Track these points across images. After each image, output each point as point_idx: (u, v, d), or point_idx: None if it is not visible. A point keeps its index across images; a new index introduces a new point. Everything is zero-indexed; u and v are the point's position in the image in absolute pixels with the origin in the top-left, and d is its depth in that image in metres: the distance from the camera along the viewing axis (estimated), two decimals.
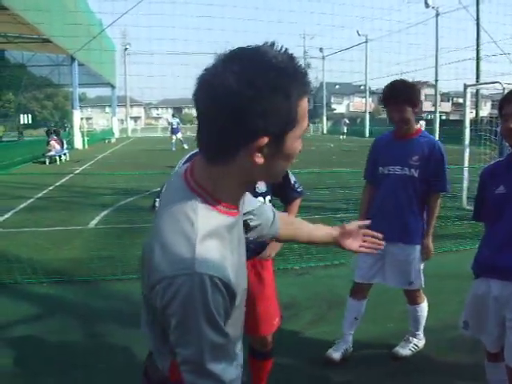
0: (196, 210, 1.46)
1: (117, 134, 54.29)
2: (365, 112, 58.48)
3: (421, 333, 4.78)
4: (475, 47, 39.59)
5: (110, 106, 65.46)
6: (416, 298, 4.68)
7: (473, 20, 37.97)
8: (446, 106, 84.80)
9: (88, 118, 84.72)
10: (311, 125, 71.70)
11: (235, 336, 1.66)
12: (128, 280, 6.59)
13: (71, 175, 18.09)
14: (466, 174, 11.90)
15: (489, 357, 3.42)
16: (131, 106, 68.84)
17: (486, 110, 66.21)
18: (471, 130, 12.54)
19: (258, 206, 2.11)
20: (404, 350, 4.68)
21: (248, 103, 1.32)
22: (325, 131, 68.24)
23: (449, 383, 4.28)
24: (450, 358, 4.63)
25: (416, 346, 4.73)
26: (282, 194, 3.62)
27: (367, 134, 54.06)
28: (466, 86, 12.21)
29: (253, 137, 1.37)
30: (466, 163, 12.03)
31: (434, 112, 44.66)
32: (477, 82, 30.31)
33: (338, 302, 5.74)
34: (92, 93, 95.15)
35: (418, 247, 4.43)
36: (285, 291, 6.15)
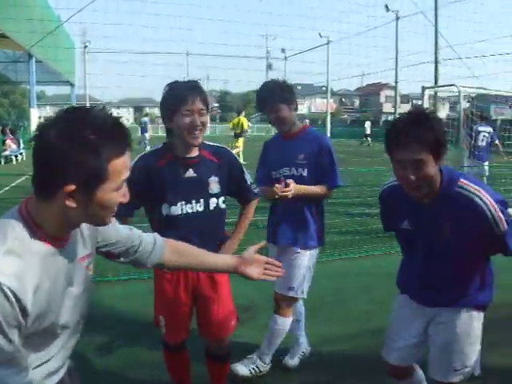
0: (14, 229, 1.70)
1: None
2: (326, 113, 58.69)
3: (270, 355, 4.53)
4: (434, 51, 40.10)
5: (69, 104, 64.44)
6: (286, 309, 4.48)
7: (431, 24, 38.40)
8: (406, 108, 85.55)
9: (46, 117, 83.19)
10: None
11: (39, 356, 1.84)
12: None
13: (27, 176, 17.66)
14: None
15: (397, 375, 3.37)
16: (91, 104, 67.94)
17: (444, 112, 67.27)
18: None
19: (127, 236, 2.27)
20: (242, 369, 4.44)
21: (59, 155, 1.60)
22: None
23: None
24: None
25: (258, 369, 4.48)
26: (239, 195, 3.64)
27: (328, 135, 54.31)
28: (423, 89, 12.47)
29: (62, 183, 1.66)
30: None
31: (394, 113, 45.03)
32: (435, 84, 30.74)
33: (250, 305, 5.96)
34: (51, 91, 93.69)
35: (309, 252, 4.32)
36: (242, 293, 6.07)
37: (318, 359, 4.77)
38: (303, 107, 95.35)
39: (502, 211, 2.71)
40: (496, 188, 13.24)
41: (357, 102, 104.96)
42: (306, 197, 4.16)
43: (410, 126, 2.59)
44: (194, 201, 3.30)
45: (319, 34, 57.24)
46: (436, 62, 39.99)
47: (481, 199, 2.69)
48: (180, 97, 3.15)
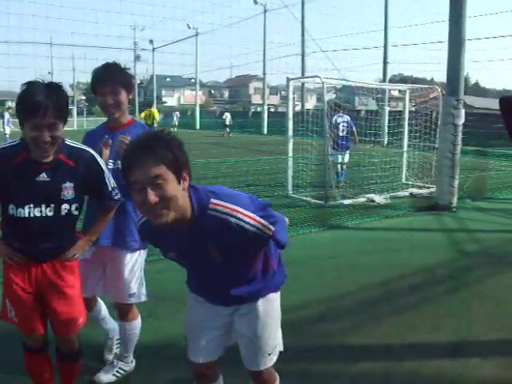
0: None
1: None
2: (195, 105, 58.74)
3: (130, 355, 4.33)
4: (300, 44, 41.30)
5: None
6: (129, 313, 4.16)
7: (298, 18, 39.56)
8: (275, 99, 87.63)
9: None
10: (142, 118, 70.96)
11: None
12: None
13: None
14: (290, 163, 12.35)
15: (199, 380, 3.22)
16: None
17: (312, 103, 69.39)
18: (296, 122, 12.95)
19: None
20: (107, 376, 4.20)
21: None
22: (155, 124, 67.62)
23: (328, 369, 4.31)
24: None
25: (123, 370, 4.29)
26: (98, 200, 3.49)
27: (198, 127, 54.49)
28: (288, 80, 12.75)
29: None
30: (290, 153, 12.46)
31: (263, 104, 45.90)
32: (302, 76, 31.59)
33: (166, 297, 5.72)
34: None
35: (137, 253, 4.00)
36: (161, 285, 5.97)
37: None
38: (173, 99, 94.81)
39: (263, 216, 2.59)
40: (354, 176, 13.87)
41: (226, 94, 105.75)
42: None
43: (142, 148, 2.33)
44: (43, 205, 3.12)
45: (188, 26, 57.26)
46: (303, 55, 41.31)
47: (236, 218, 2.50)
48: (29, 107, 2.87)
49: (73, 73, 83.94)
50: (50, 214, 3.14)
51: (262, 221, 2.56)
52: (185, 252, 2.73)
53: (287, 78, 12.59)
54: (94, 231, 3.52)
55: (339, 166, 14.10)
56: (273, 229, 2.62)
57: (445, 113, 11.04)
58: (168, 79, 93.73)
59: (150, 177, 2.27)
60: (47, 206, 3.12)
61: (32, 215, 3.10)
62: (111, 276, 4.02)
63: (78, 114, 74.44)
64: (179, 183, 2.37)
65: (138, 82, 79.68)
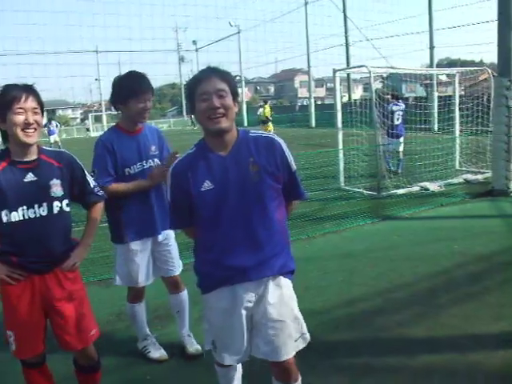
0: None
1: None
2: (242, 102, 58.84)
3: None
4: (344, 34, 40.87)
5: None
6: (181, 283, 4.65)
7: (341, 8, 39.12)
8: (321, 92, 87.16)
9: None
10: (186, 118, 71.64)
11: None
12: None
13: None
14: (341, 155, 12.23)
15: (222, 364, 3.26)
16: None
17: (358, 93, 68.68)
18: (344, 113, 12.83)
19: None
20: (195, 346, 4.57)
21: None
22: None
23: (334, 363, 4.25)
24: (334, 336, 4.64)
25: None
26: (82, 198, 3.52)
27: (246, 123, 54.56)
28: (334, 71, 12.55)
29: None
30: (341, 145, 12.35)
31: (309, 98, 45.64)
32: (347, 66, 31.28)
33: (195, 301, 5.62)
34: None
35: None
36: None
37: None
38: None
39: None
40: (407, 164, 13.65)
41: (272, 89, 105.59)
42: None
43: (211, 69, 2.92)
44: (36, 205, 3.17)
45: (229, 23, 57.40)
46: (347, 45, 40.85)
47: (276, 137, 3.00)
48: (12, 95, 3.07)
49: None
50: (44, 213, 3.19)
51: (291, 157, 3.02)
52: (223, 173, 2.87)
53: (333, 69, 12.42)
54: (89, 234, 3.54)
55: (400, 154, 13.95)
56: (295, 167, 3.04)
57: (497, 94, 10.72)
58: None
59: (216, 88, 2.81)
60: (40, 205, 3.17)
61: (27, 217, 3.14)
62: (163, 256, 4.45)
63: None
64: (234, 104, 2.88)
65: (184, 82, 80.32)
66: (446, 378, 4.00)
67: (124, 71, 4.28)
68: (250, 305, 2.97)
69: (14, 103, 3.05)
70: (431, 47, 32.59)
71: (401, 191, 11.35)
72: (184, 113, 72.79)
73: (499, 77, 10.65)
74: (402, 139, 14.05)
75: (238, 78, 69.63)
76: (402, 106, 14.11)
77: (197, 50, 68.47)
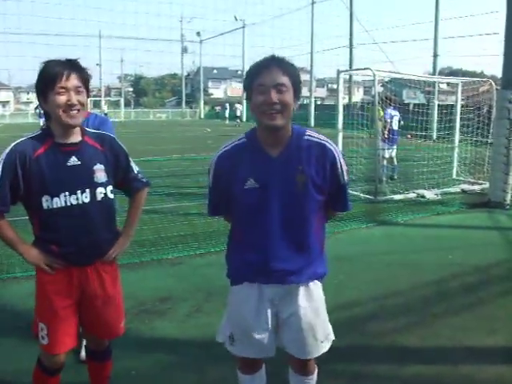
0: None
1: None
2: (242, 97, 58.78)
3: None
4: (349, 35, 40.80)
5: None
6: None
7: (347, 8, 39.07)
8: (322, 92, 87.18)
9: None
10: (188, 110, 71.57)
11: None
12: None
13: None
14: None
15: (245, 368, 3.19)
16: None
17: (358, 96, 68.74)
18: (345, 115, 12.77)
19: None
20: None
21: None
22: (202, 116, 68.15)
23: (325, 369, 4.20)
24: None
25: None
26: (125, 185, 3.32)
27: (245, 119, 54.52)
28: (339, 72, 12.48)
29: None
30: (341, 147, 12.28)
31: (310, 97, 45.63)
32: (350, 68, 31.23)
33: (215, 292, 5.61)
34: None
35: None
36: (159, 283, 5.96)
37: None
38: (219, 91, 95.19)
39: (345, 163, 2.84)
40: (404, 171, 13.61)
41: None
42: None
43: (275, 59, 2.68)
44: (79, 191, 2.98)
45: (235, 17, 57.29)
46: (351, 47, 40.76)
47: (331, 145, 2.79)
48: (53, 73, 2.86)
49: (121, 64, 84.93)
50: (87, 200, 3.00)
51: (345, 165, 2.82)
52: (269, 175, 2.74)
53: (337, 70, 12.37)
54: (131, 224, 3.37)
55: (394, 159, 13.91)
56: (347, 178, 2.85)
57: (499, 107, 10.69)
58: (215, 71, 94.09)
59: (276, 82, 2.60)
60: (83, 191, 2.99)
61: (69, 203, 2.96)
62: None
63: (125, 105, 75.34)
64: (293, 100, 2.68)
65: (185, 73, 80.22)
66: None
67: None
68: (276, 302, 2.90)
69: (55, 82, 2.84)
70: (435, 55, 32.61)
71: (397, 197, 11.31)
72: (183, 104, 72.67)
73: (503, 89, 10.61)
74: (395, 146, 14.01)
75: (239, 72, 69.65)
76: (397, 112, 14.06)
77: (201, 42, 68.31)
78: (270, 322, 2.93)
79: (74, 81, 2.88)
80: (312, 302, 2.92)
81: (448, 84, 20.98)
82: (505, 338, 4.70)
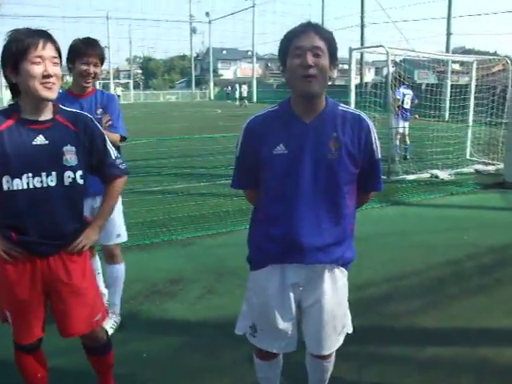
0: None
1: None
2: (252, 77, 58.53)
3: (119, 304, 4.60)
4: (360, 14, 40.44)
5: None
6: (118, 255, 4.51)
7: None
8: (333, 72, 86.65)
9: None
10: (198, 91, 71.37)
11: None
12: None
13: None
14: None
15: (263, 356, 3.06)
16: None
17: (369, 76, 68.28)
18: (356, 94, 12.62)
19: None
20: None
21: None
22: (212, 97, 67.95)
23: (340, 350, 4.12)
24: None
25: (116, 323, 4.48)
26: (100, 171, 3.07)
27: (255, 99, 54.33)
28: (351, 50, 12.32)
29: None
30: None
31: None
32: (361, 46, 30.94)
33: (227, 273, 5.57)
34: None
35: None
36: (170, 264, 5.90)
37: None
38: (229, 72, 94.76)
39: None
40: (417, 151, 13.46)
41: None
42: None
43: (312, 25, 2.62)
44: (44, 173, 2.74)
45: None
46: (362, 25, 40.37)
47: (366, 117, 2.72)
48: (27, 42, 2.62)
49: (129, 46, 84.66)
50: (52, 183, 2.77)
51: (378, 143, 2.74)
52: (301, 141, 2.61)
53: (350, 47, 12.19)
54: (103, 214, 3.14)
55: (406, 138, 13.83)
56: (380, 155, 2.75)
57: None
58: (224, 52, 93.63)
59: (313, 45, 2.51)
60: (48, 174, 2.75)
61: (32, 186, 2.72)
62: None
63: (134, 87, 75.18)
64: (330, 68, 2.59)
65: (195, 55, 79.91)
66: (453, 372, 3.86)
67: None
68: (299, 289, 2.78)
69: (29, 51, 2.60)
70: (448, 34, 32.21)
71: (410, 177, 11.20)
72: (193, 85, 72.43)
73: None
74: (407, 124, 13.87)
75: (249, 53, 69.26)
76: (410, 90, 13.91)
77: (210, 22, 67.90)
78: (293, 311, 2.83)
79: (50, 50, 2.66)
80: (336, 291, 2.82)
81: (461, 64, 20.69)
82: None
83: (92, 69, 4.10)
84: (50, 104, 2.79)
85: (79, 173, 2.84)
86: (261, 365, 3.13)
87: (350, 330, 3.01)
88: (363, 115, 2.71)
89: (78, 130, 2.86)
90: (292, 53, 2.54)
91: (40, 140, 2.73)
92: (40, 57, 2.62)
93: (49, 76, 2.64)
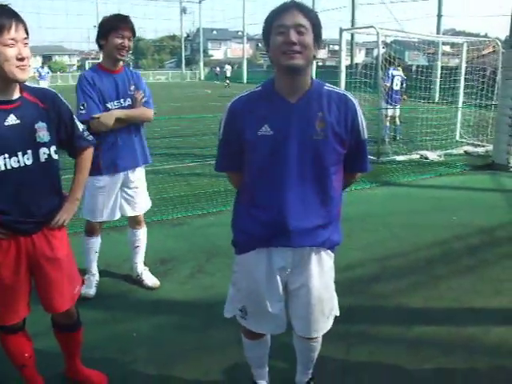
0: None
1: None
2: (242, 58, 58.26)
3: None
4: None
5: None
6: (143, 220, 5.00)
7: None
8: (323, 53, 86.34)
9: None
10: (188, 72, 70.98)
11: None
12: None
13: None
14: None
15: (251, 335, 3.10)
16: None
17: (360, 57, 68.11)
18: (347, 75, 12.60)
19: None
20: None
21: None
22: (202, 77, 67.62)
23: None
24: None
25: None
26: (70, 144, 3.10)
27: (245, 80, 54.12)
28: (341, 30, 12.32)
29: None
30: None
31: None
32: (352, 27, 30.83)
33: (217, 252, 5.60)
34: None
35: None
36: (160, 244, 5.90)
37: None
38: (219, 52, 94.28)
39: None
40: (407, 132, 13.50)
41: None
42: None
43: (296, 3, 2.57)
44: (19, 153, 2.75)
45: None
46: (353, 5, 40.17)
47: (352, 97, 2.70)
48: (0, 23, 2.57)
49: None
50: (29, 162, 2.78)
51: (365, 123, 2.73)
52: (286, 122, 2.59)
53: (340, 28, 12.15)
54: (78, 187, 3.17)
55: (396, 120, 13.82)
56: (366, 136, 2.74)
57: (505, 67, 10.53)
58: (215, 32, 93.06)
59: (296, 23, 2.50)
60: (24, 153, 2.76)
61: (9, 167, 2.72)
62: (134, 193, 4.69)
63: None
64: (313, 47, 2.56)
65: (185, 35, 79.34)
66: (442, 350, 3.91)
67: None
68: (286, 272, 2.77)
69: (2, 33, 2.56)
70: (439, 15, 32.14)
71: (400, 158, 11.23)
72: (183, 66, 71.99)
73: (509, 49, 10.42)
74: (398, 106, 13.88)
75: (239, 33, 68.91)
76: (400, 72, 13.89)
77: (200, 2, 67.35)
78: (281, 293, 2.83)
79: (22, 32, 2.63)
80: (323, 275, 2.82)
81: (452, 45, 20.66)
82: (509, 299, 4.66)
83: (126, 42, 4.29)
84: (16, 83, 2.76)
85: (53, 148, 2.87)
86: (249, 344, 3.15)
87: (338, 313, 3.02)
88: (349, 95, 2.70)
89: (46, 106, 2.87)
90: (275, 31, 2.53)
91: (11, 120, 2.72)
92: (13, 39, 2.58)
93: (23, 59, 2.61)
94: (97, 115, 4.18)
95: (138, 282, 4.89)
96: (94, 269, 4.77)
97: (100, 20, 4.43)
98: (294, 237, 2.65)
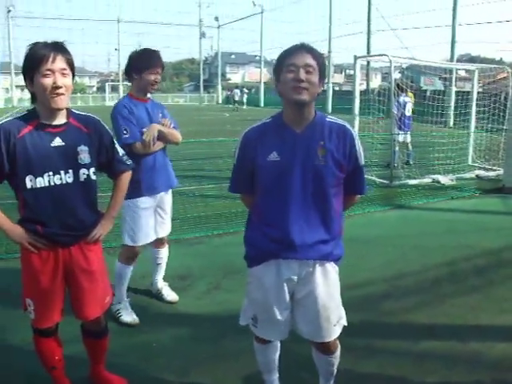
0: None
1: (1, 104, 51.72)
2: (259, 82, 58.67)
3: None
4: (367, 21, 40.61)
5: None
6: (166, 241, 5.23)
7: None
8: (339, 78, 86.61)
9: None
10: (206, 95, 71.42)
11: None
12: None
13: None
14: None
15: (261, 340, 3.34)
16: (17, 73, 65.40)
17: (376, 82, 68.29)
18: (362, 100, 12.83)
19: None
20: (173, 295, 5.18)
21: None
22: (220, 101, 68.06)
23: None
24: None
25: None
26: (109, 167, 3.40)
27: (262, 104, 54.42)
28: (356, 58, 12.52)
29: None
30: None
31: (327, 83, 45.50)
32: (367, 54, 31.09)
33: (233, 270, 5.78)
34: None
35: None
36: (178, 262, 6.08)
37: None
38: (237, 76, 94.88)
39: None
40: (420, 156, 13.65)
41: None
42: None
43: (305, 46, 2.92)
44: (62, 171, 3.05)
45: (253, 3, 57.16)
46: (369, 33, 40.54)
47: (350, 127, 3.04)
48: (39, 56, 2.88)
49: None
50: (70, 180, 3.08)
51: (362, 151, 3.06)
52: (292, 149, 2.92)
53: (354, 56, 12.39)
54: (114, 206, 3.46)
55: (408, 145, 13.96)
56: (363, 162, 3.08)
57: None
58: (233, 56, 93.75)
59: (305, 63, 2.85)
60: (66, 172, 3.06)
61: (52, 183, 3.03)
62: (165, 215, 4.97)
63: None
64: (319, 83, 2.91)
65: (203, 58, 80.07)
66: (446, 364, 4.07)
67: (144, 42, 4.59)
68: (293, 282, 3.03)
69: (41, 64, 2.87)
70: (453, 41, 32.30)
71: (412, 182, 11.40)
72: (201, 89, 72.55)
73: None
74: (408, 131, 14.03)
75: (257, 57, 69.41)
76: (408, 99, 14.04)
77: (219, 27, 68.10)
78: (287, 301, 3.06)
79: (59, 63, 2.91)
80: (328, 285, 3.05)
81: (467, 70, 20.84)
82: None
83: (158, 77, 4.64)
84: (64, 109, 3.07)
85: (92, 169, 3.17)
86: (259, 348, 3.39)
87: (345, 323, 3.22)
88: (347, 125, 3.03)
89: (89, 131, 3.18)
90: (286, 69, 2.86)
91: (57, 142, 3.04)
92: (50, 70, 2.89)
93: (58, 87, 2.90)
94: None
95: (157, 296, 5.12)
96: (124, 297, 4.82)
97: (130, 53, 4.66)
98: (300, 250, 2.94)
